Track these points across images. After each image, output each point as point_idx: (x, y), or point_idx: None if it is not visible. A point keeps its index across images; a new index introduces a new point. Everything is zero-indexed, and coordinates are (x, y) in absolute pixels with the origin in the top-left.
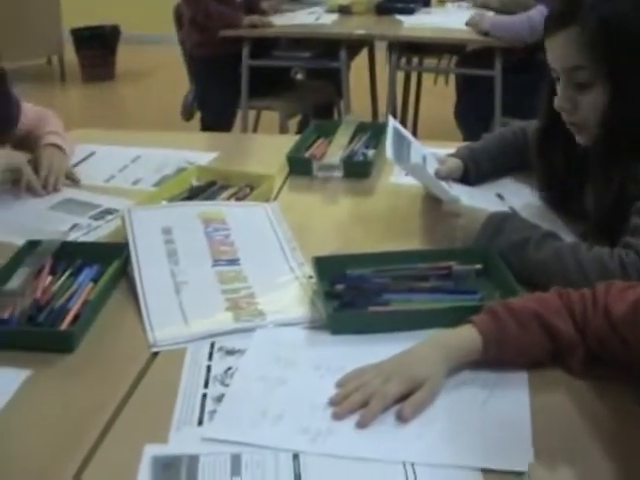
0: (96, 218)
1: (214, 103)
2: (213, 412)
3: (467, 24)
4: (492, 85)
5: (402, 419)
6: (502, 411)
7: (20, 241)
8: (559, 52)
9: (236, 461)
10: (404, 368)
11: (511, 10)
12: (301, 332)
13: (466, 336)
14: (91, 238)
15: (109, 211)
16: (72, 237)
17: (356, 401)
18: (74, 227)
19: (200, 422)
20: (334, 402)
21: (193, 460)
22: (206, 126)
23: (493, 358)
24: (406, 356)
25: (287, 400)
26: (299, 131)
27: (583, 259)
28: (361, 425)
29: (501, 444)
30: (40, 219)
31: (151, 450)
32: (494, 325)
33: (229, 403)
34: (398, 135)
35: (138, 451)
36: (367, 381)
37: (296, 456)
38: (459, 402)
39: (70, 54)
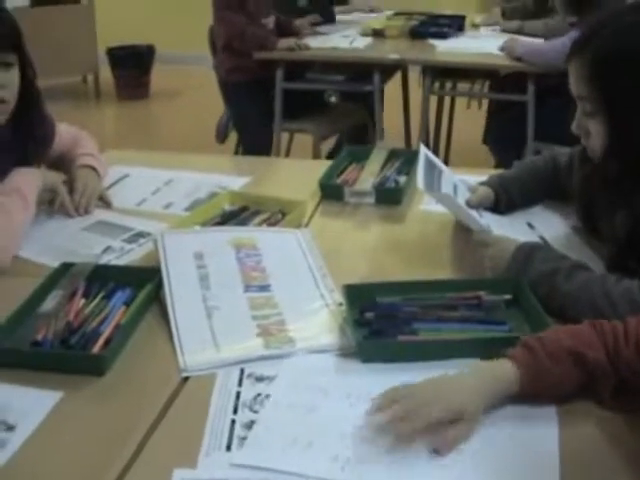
0: (129, 241)
1: (251, 127)
2: (242, 438)
3: (501, 49)
4: (524, 110)
5: (439, 454)
6: (530, 445)
7: (53, 262)
8: (571, 80)
9: None
10: (443, 395)
11: (554, 35)
12: (331, 359)
13: (504, 370)
14: (123, 261)
15: (141, 234)
16: (105, 260)
17: (397, 410)
18: (107, 249)
19: (228, 447)
20: (371, 411)
21: None
22: (245, 150)
23: (528, 393)
24: (444, 384)
25: (317, 428)
26: (332, 155)
27: (612, 291)
28: (398, 437)
29: (529, 478)
30: (73, 241)
31: (180, 474)
32: (531, 360)
33: (260, 429)
34: (429, 163)
35: (167, 475)
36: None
37: None
38: (487, 434)
39: (106, 73)
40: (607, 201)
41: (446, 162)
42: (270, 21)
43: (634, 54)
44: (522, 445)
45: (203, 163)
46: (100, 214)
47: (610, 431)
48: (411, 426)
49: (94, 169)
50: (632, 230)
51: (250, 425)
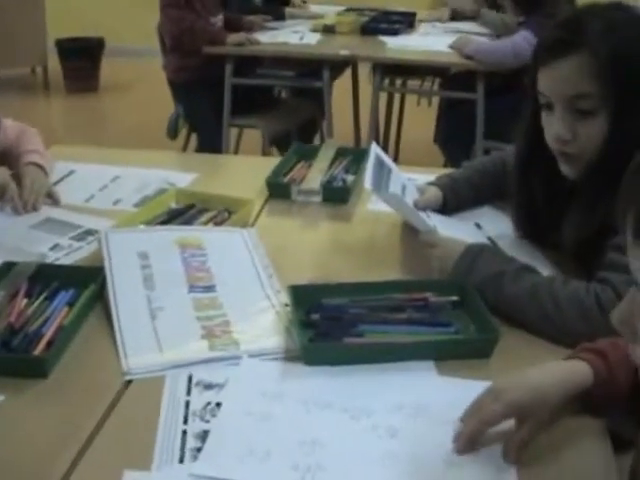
0: (77, 239)
1: (203, 125)
2: (196, 449)
3: (451, 47)
4: (474, 108)
5: (508, 460)
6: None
7: None
8: (560, 80)
9: None
10: (509, 393)
11: (507, 31)
12: (278, 364)
13: (576, 366)
14: (72, 259)
15: (90, 232)
16: (53, 258)
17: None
18: (55, 247)
19: (181, 460)
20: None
21: None
22: (200, 147)
23: (598, 397)
24: (520, 380)
25: (274, 436)
26: (281, 149)
27: (559, 294)
28: (457, 449)
29: None
30: (20, 238)
31: (131, 476)
32: (604, 365)
33: (214, 440)
34: (379, 163)
35: (114, 478)
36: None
37: None
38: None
39: (55, 64)
40: (555, 209)
41: (396, 160)
42: (219, 19)
43: (637, 46)
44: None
45: (150, 159)
46: (48, 211)
47: None
48: (466, 436)
49: (40, 167)
50: (585, 239)
51: (202, 435)
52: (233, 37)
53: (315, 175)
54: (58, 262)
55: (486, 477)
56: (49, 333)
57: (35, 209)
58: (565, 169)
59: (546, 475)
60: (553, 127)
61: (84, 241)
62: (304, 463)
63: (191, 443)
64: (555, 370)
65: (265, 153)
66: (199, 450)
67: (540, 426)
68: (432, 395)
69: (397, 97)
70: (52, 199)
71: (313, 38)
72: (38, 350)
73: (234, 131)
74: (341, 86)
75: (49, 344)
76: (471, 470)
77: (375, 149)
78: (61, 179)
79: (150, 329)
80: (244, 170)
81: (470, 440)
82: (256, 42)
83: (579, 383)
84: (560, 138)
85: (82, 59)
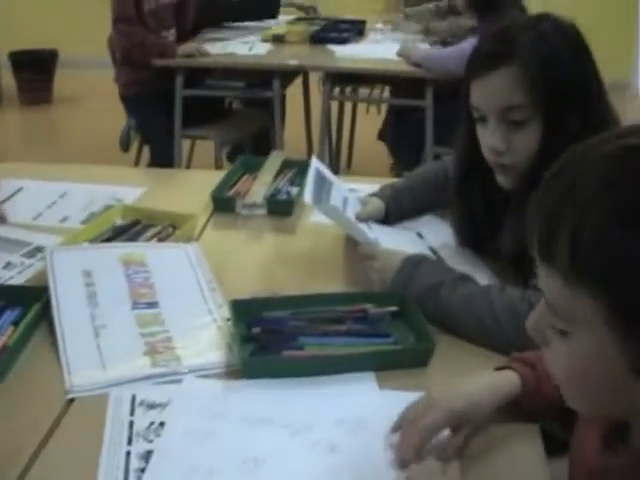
0: (28, 256)
1: (155, 138)
2: (139, 470)
3: (398, 55)
4: (423, 115)
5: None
6: None
7: None
8: (493, 93)
9: None
10: (447, 402)
11: (455, 36)
12: (220, 382)
13: (505, 376)
14: (26, 276)
15: (39, 249)
16: (7, 276)
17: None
18: (8, 265)
19: None
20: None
21: None
22: (153, 159)
23: (526, 405)
24: (455, 390)
25: (216, 454)
26: (230, 160)
27: (495, 303)
28: (399, 464)
29: None
30: None
31: None
32: (532, 375)
33: (157, 459)
34: (319, 176)
35: None
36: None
37: None
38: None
39: (8, 77)
40: (492, 219)
41: (348, 167)
42: (171, 34)
43: (566, 55)
44: None
45: (98, 174)
46: None
47: None
48: (412, 447)
49: None
50: (521, 250)
51: (146, 456)
52: (183, 48)
53: (259, 188)
54: (12, 280)
55: None
56: None
57: None
58: (501, 179)
59: (479, 477)
60: (488, 139)
61: (34, 258)
62: None
63: (135, 464)
64: (486, 380)
65: (218, 165)
66: (143, 470)
67: (474, 432)
68: (372, 408)
69: (348, 105)
70: None
71: (263, 48)
72: None
73: (187, 143)
74: (292, 95)
75: None
76: None
77: (315, 163)
78: (9, 197)
79: (93, 347)
80: (192, 184)
81: (417, 450)
82: (206, 53)
83: (508, 393)
84: (495, 149)
85: (36, 71)
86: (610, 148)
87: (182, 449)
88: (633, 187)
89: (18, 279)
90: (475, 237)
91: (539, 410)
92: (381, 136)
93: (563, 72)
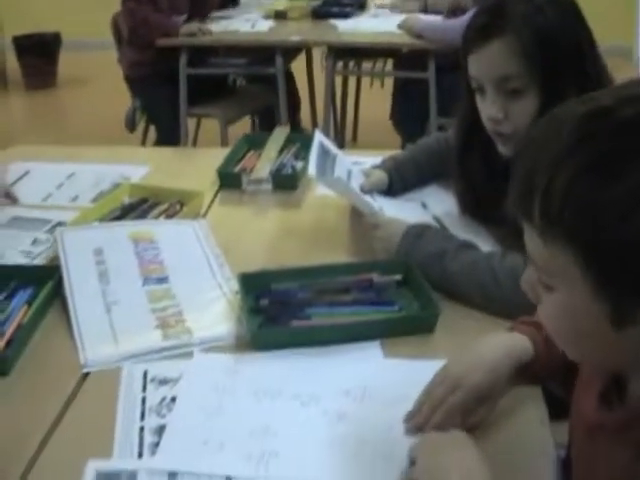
0: (52, 232)
1: (161, 117)
2: (153, 444)
3: (399, 27)
4: (427, 86)
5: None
6: None
7: None
8: (488, 63)
9: (172, 478)
10: (471, 381)
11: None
12: (230, 356)
13: (520, 344)
14: (55, 251)
15: (61, 224)
16: (37, 251)
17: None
18: (35, 242)
19: (140, 455)
20: (408, 419)
21: (132, 475)
22: (160, 139)
23: (537, 368)
24: (473, 361)
25: (227, 427)
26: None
27: (497, 269)
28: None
29: None
30: None
31: (94, 465)
32: (541, 337)
33: (170, 434)
34: (323, 150)
35: (76, 468)
36: (434, 392)
37: (229, 478)
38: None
39: (12, 62)
40: (494, 187)
41: (354, 141)
42: (181, 19)
43: (560, 25)
44: None
45: (105, 155)
46: (11, 211)
47: None
48: (434, 424)
49: None
50: None
51: (159, 430)
52: (185, 27)
53: (264, 164)
54: (43, 255)
55: None
56: (9, 332)
57: None
58: (501, 148)
59: (484, 441)
60: (486, 108)
61: None
62: (257, 451)
63: (148, 439)
64: (500, 345)
65: (224, 142)
66: (157, 445)
67: (496, 403)
68: (378, 377)
69: (352, 79)
70: (10, 198)
71: (265, 25)
72: None
73: (192, 122)
74: (298, 71)
75: (9, 342)
76: None
77: (319, 136)
78: (17, 180)
79: (106, 322)
80: (197, 162)
81: (439, 428)
82: (208, 32)
83: (521, 357)
84: (493, 118)
85: (39, 55)
86: (582, 109)
87: (193, 423)
88: (602, 143)
89: (49, 254)
90: (477, 205)
91: (546, 373)
92: (392, 117)
93: (557, 41)
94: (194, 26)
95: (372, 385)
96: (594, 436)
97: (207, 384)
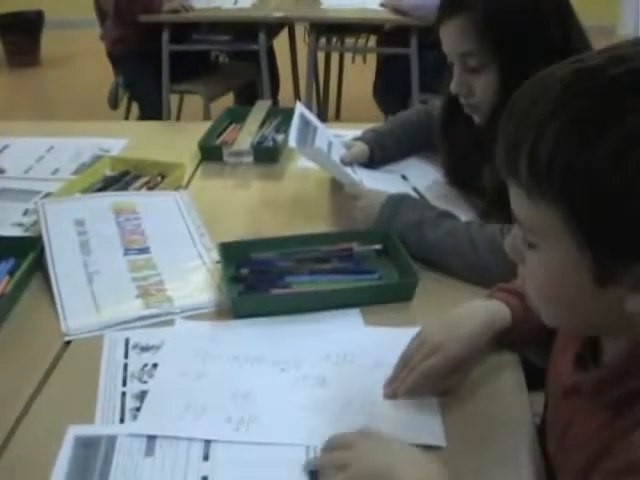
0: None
1: (144, 94)
2: (134, 409)
3: (382, 5)
4: (408, 62)
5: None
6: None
7: None
8: (451, 39)
9: (151, 442)
10: (448, 348)
11: None
12: (210, 324)
13: (496, 306)
14: None
15: (50, 194)
16: (30, 221)
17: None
18: (27, 212)
19: (122, 420)
20: (387, 385)
21: (111, 440)
22: (143, 116)
23: (515, 335)
24: (448, 332)
25: (208, 392)
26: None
27: (475, 237)
28: (387, 396)
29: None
30: None
31: (74, 431)
32: (520, 305)
33: (152, 399)
34: (304, 121)
35: (57, 433)
36: (412, 358)
37: (207, 441)
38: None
39: None
40: (475, 157)
41: (337, 117)
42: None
43: (521, 5)
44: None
45: (84, 129)
46: None
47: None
48: (409, 387)
49: None
50: (500, 184)
51: (141, 396)
52: (167, 5)
53: (246, 136)
54: (37, 226)
55: (411, 418)
56: None
57: None
58: (475, 118)
59: (461, 407)
60: (452, 82)
61: None
62: (237, 415)
63: (130, 404)
64: (478, 314)
65: (206, 118)
66: (138, 410)
67: (470, 371)
68: (358, 344)
69: (335, 55)
70: None
71: (248, 1)
72: None
73: (175, 98)
74: (281, 47)
75: None
76: (396, 412)
77: (300, 108)
78: None
79: (87, 292)
80: (178, 135)
81: (409, 392)
82: (190, 8)
83: (500, 324)
84: (457, 92)
85: (22, 33)
86: (570, 68)
87: (175, 388)
88: (589, 99)
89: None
90: (461, 173)
91: (523, 340)
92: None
93: (512, 15)
94: (177, 2)
95: (352, 351)
96: (569, 399)
97: (189, 350)
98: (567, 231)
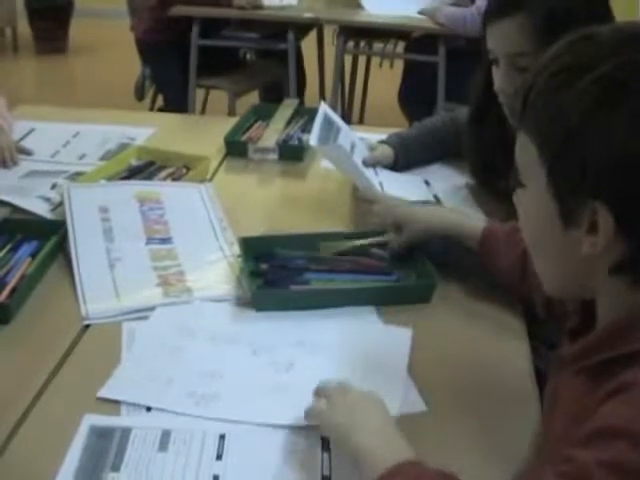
0: (72, 179)
1: (170, 86)
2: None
3: (420, 13)
4: (435, 70)
5: None
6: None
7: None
8: (503, 38)
9: (165, 437)
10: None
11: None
12: (228, 308)
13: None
14: None
15: (79, 173)
16: (56, 197)
17: None
18: (54, 186)
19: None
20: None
21: (125, 432)
22: (167, 108)
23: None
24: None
25: (179, 366)
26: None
27: None
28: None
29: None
30: (17, 187)
31: (88, 418)
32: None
33: (125, 367)
34: (327, 121)
35: (67, 421)
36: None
37: (222, 436)
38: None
39: (24, 26)
40: (503, 158)
41: (361, 120)
42: None
43: (576, 6)
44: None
45: (110, 117)
46: (27, 165)
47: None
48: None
49: None
50: None
51: None
52: (237, 1)
53: (272, 134)
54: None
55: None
56: (12, 282)
57: (14, 162)
58: (511, 120)
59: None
60: (498, 81)
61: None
62: (201, 391)
63: None
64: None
65: (231, 114)
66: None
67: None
68: (376, 341)
69: (362, 59)
70: (24, 152)
71: (289, 0)
72: (1, 297)
73: (201, 93)
74: (308, 47)
75: (12, 292)
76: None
77: (324, 108)
78: (22, 138)
79: (108, 278)
80: (204, 128)
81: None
82: (259, 6)
83: (463, 227)
84: (502, 90)
85: (51, 20)
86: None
87: (149, 360)
88: (570, 55)
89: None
90: (489, 175)
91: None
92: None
93: (572, 25)
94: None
95: (370, 350)
96: (559, 371)
97: (174, 326)
98: (540, 169)
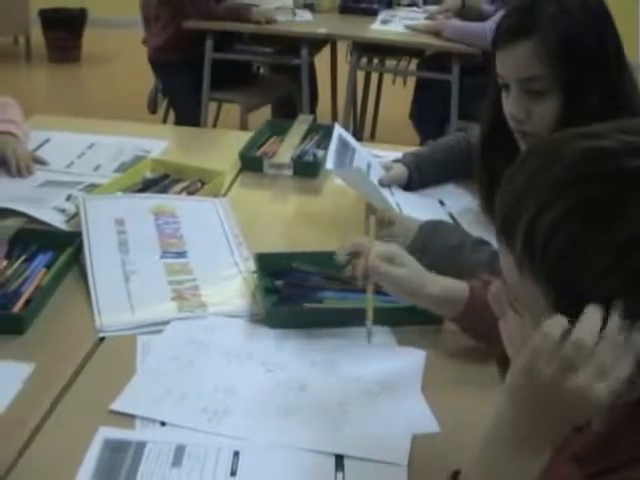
0: (87, 191)
1: (182, 101)
2: None
3: (408, 28)
4: (448, 88)
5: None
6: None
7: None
8: (514, 63)
9: (179, 452)
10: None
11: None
12: (242, 323)
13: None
14: None
15: (94, 185)
16: (71, 208)
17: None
18: (69, 197)
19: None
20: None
21: (139, 446)
22: (178, 122)
23: (468, 319)
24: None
25: (192, 381)
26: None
27: None
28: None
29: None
30: (34, 196)
31: (102, 432)
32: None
33: (140, 379)
34: (342, 143)
35: (81, 433)
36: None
37: (236, 453)
38: (353, 395)
39: (37, 35)
40: None
41: (372, 137)
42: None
43: (588, 31)
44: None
45: (124, 129)
46: (43, 175)
47: None
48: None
49: (14, 135)
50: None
51: None
52: (255, 14)
53: (287, 149)
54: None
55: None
56: (27, 292)
57: (30, 172)
58: (523, 146)
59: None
60: (509, 107)
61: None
62: (213, 407)
63: None
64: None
65: (243, 128)
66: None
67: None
68: (389, 363)
69: (374, 75)
70: (39, 162)
71: (306, 16)
72: (16, 308)
73: (213, 107)
74: (321, 63)
75: (27, 303)
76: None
77: (338, 130)
78: (37, 148)
79: (123, 290)
80: (217, 142)
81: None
82: (273, 21)
83: (456, 293)
84: (515, 117)
85: (64, 30)
86: (582, 146)
87: (162, 374)
88: (595, 188)
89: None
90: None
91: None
92: (412, 116)
93: (583, 47)
94: (260, 15)
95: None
96: None
97: (186, 339)
98: (547, 309)
